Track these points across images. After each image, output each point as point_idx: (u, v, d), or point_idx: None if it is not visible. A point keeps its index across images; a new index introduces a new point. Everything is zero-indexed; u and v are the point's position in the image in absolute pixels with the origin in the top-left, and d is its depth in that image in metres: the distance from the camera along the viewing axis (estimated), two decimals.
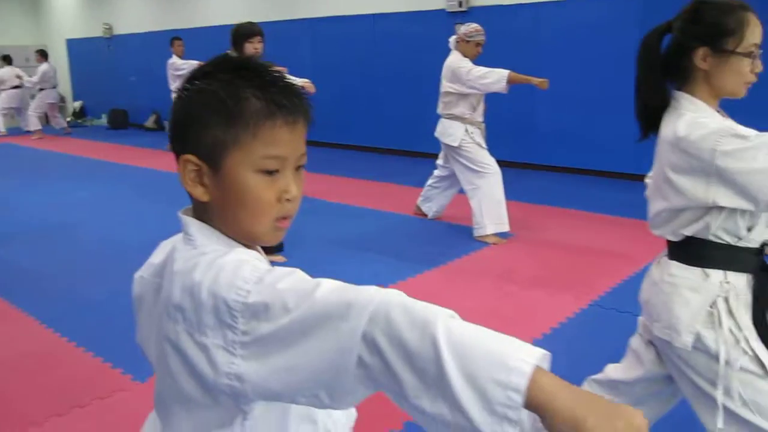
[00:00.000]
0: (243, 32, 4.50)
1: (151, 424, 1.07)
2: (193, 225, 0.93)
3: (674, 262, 1.72)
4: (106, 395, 2.80)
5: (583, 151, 7.40)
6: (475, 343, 0.73)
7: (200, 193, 0.92)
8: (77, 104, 15.03)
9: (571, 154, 7.54)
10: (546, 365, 0.74)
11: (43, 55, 12.40)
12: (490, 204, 4.94)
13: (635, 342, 1.97)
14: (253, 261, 0.86)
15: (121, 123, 13.70)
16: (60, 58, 15.44)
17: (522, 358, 0.71)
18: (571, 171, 7.55)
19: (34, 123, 12.31)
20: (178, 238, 0.97)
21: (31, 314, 3.72)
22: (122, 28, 13.66)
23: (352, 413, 1.10)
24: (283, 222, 0.94)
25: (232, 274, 0.83)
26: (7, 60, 12.55)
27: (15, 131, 12.73)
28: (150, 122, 13.08)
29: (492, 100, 8.18)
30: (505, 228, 4.92)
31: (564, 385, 0.72)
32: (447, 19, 8.28)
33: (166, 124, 12.73)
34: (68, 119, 14.86)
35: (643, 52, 1.74)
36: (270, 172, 0.90)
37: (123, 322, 3.54)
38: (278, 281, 0.81)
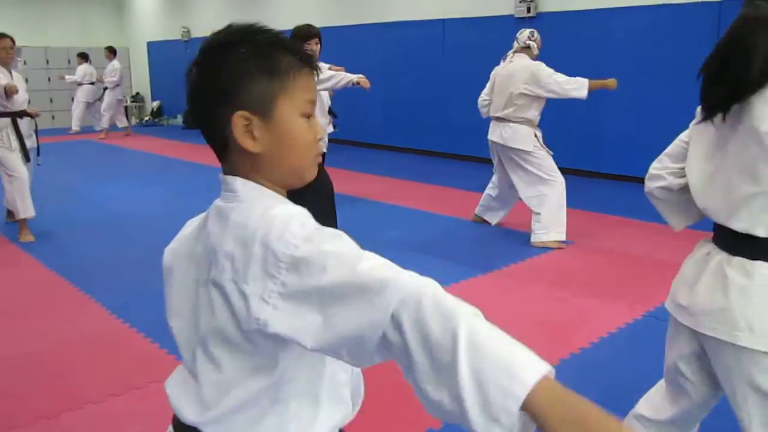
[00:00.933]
0: (301, 34, 4.60)
1: (179, 383, 1.13)
2: (238, 181, 1.01)
3: (764, 263, 1.52)
4: (161, 378, 2.89)
5: (649, 160, 7.21)
6: (491, 346, 0.78)
7: (252, 145, 0.99)
8: (155, 104, 15.60)
9: (637, 163, 7.35)
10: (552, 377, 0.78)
11: (112, 51, 12.68)
12: (555, 212, 4.91)
13: (684, 369, 1.85)
14: (302, 216, 0.93)
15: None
16: (141, 60, 16.09)
17: (529, 370, 0.76)
18: (636, 180, 7.37)
19: (106, 121, 12.60)
20: (211, 209, 1.05)
21: (98, 300, 3.92)
22: (199, 31, 14.12)
23: None
24: (317, 158, 1.06)
25: (284, 227, 0.89)
26: (84, 57, 12.98)
27: (86, 129, 13.25)
28: None
29: (558, 107, 8.09)
30: (564, 237, 4.88)
31: (562, 401, 0.75)
32: (515, 25, 8.22)
33: None
34: (146, 118, 15.45)
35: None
36: (308, 116, 1.02)
37: None
38: (326, 242, 0.88)
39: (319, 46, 4.66)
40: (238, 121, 0.97)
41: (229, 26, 1.02)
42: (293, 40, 1.03)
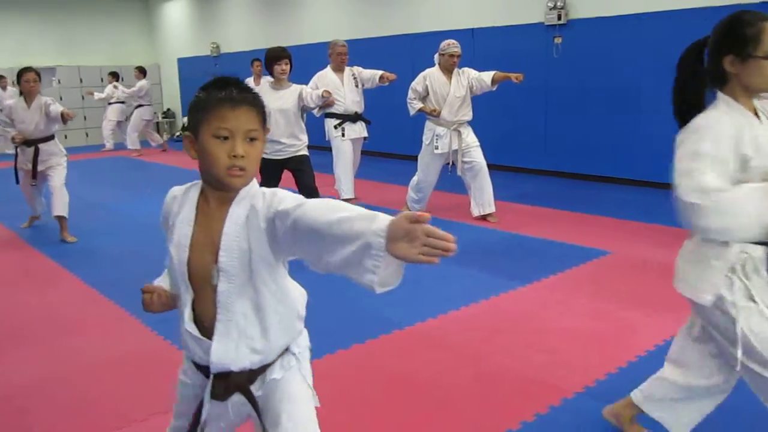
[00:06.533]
0: (272, 55, 5.30)
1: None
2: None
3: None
4: None
5: None
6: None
7: (193, 155, 1.49)
8: (186, 119, 15.74)
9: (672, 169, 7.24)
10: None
11: (141, 71, 12.83)
12: None
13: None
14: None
15: None
16: (172, 76, 16.30)
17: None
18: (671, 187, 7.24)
19: (133, 142, 12.70)
20: None
21: (138, 317, 3.93)
22: (228, 46, 14.28)
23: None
24: (232, 170, 1.43)
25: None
26: (114, 76, 13.19)
27: (119, 146, 13.43)
28: None
29: (593, 114, 8.03)
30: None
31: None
32: (545, 33, 8.18)
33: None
34: (177, 134, 15.63)
35: (685, 61, 2.31)
36: (223, 138, 1.42)
37: None
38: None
39: (289, 66, 5.33)
40: (185, 137, 1.54)
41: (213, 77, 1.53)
42: (236, 86, 1.48)
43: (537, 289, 4.24)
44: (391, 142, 10.23)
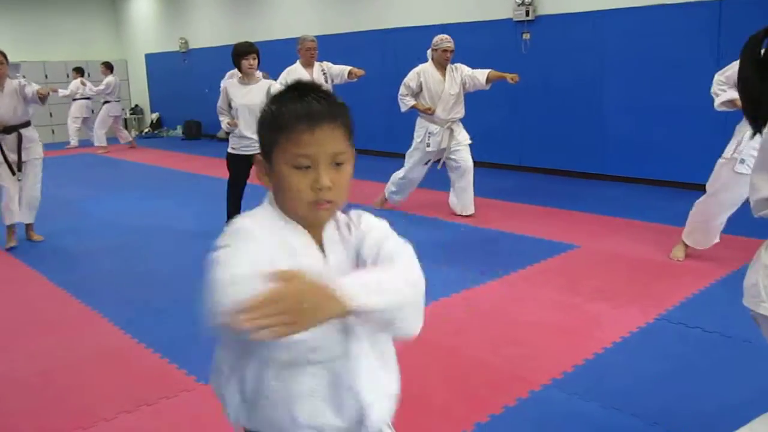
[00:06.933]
0: (239, 51, 5.31)
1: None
2: (267, 198, 1.27)
3: None
4: (172, 395, 2.90)
5: (651, 161, 7.21)
6: None
7: (266, 183, 1.24)
8: (154, 116, 15.60)
9: (638, 164, 7.36)
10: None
11: (108, 67, 12.64)
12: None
13: None
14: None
15: (195, 134, 14.14)
16: (139, 72, 16.09)
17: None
18: (640, 181, 7.36)
19: (99, 139, 12.49)
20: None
21: (105, 316, 3.89)
22: (197, 42, 14.13)
23: None
24: (318, 205, 1.18)
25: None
26: (79, 72, 12.99)
27: (84, 143, 13.22)
28: (222, 133, 13.41)
29: (559, 110, 8.13)
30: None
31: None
32: (514, 29, 8.24)
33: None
34: (145, 130, 15.44)
35: (749, 51, 1.82)
36: (305, 167, 1.16)
37: (190, 325, 3.65)
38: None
39: (257, 61, 5.33)
40: (258, 162, 1.26)
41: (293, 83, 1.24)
42: (317, 96, 1.18)
43: (507, 282, 4.28)
44: (364, 138, 10.21)
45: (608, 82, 7.49)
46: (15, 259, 5.20)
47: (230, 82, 5.55)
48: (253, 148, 5.31)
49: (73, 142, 13.17)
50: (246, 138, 5.31)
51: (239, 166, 5.44)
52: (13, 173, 5.39)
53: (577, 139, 7.87)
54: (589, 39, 7.57)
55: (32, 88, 5.32)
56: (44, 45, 14.86)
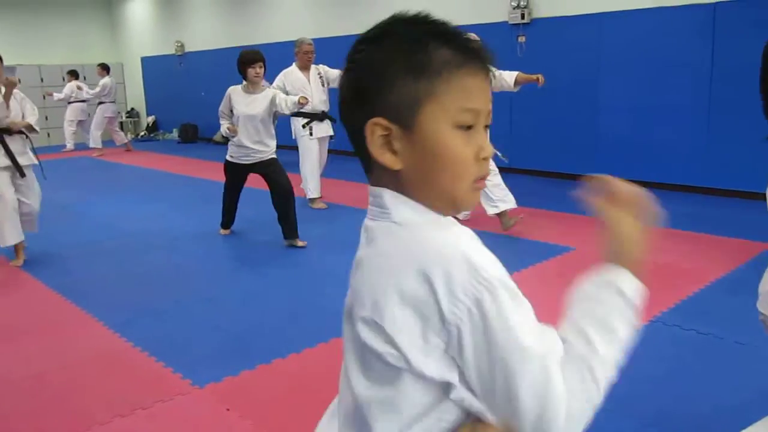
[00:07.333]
0: (246, 59, 5.15)
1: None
2: (386, 194, 0.86)
3: None
4: (168, 398, 2.89)
5: (646, 163, 7.23)
6: None
7: (391, 161, 0.83)
8: (150, 119, 15.59)
9: (634, 165, 7.37)
10: None
11: (104, 68, 12.68)
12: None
13: None
14: (483, 257, 0.82)
15: (191, 137, 14.14)
16: (135, 75, 16.08)
17: None
18: (635, 183, 7.37)
19: (95, 141, 12.54)
20: (362, 229, 0.92)
21: (100, 319, 3.88)
22: (193, 45, 14.13)
23: None
24: (480, 182, 0.86)
25: (462, 268, 0.78)
26: (73, 74, 12.99)
27: (80, 146, 13.21)
28: (218, 136, 13.41)
29: (556, 112, 8.14)
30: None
31: None
32: (510, 32, 8.25)
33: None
34: (141, 133, 15.43)
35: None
36: (466, 128, 0.83)
37: (184, 329, 3.67)
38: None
39: (263, 69, 5.17)
40: (374, 130, 0.82)
41: (392, 16, 0.88)
42: (457, 30, 0.85)
43: None
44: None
45: (603, 84, 7.51)
46: (7, 262, 5.18)
47: (235, 88, 5.38)
48: (252, 158, 5.31)
49: (69, 145, 13.15)
50: (245, 147, 5.26)
51: (236, 175, 5.42)
52: (23, 175, 4.99)
53: (572, 142, 7.88)
54: (584, 42, 7.59)
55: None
56: (40, 48, 14.86)
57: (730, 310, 3.64)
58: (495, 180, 5.42)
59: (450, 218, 0.88)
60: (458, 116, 0.81)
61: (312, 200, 6.72)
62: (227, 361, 3.22)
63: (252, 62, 5.13)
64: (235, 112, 5.29)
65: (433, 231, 0.83)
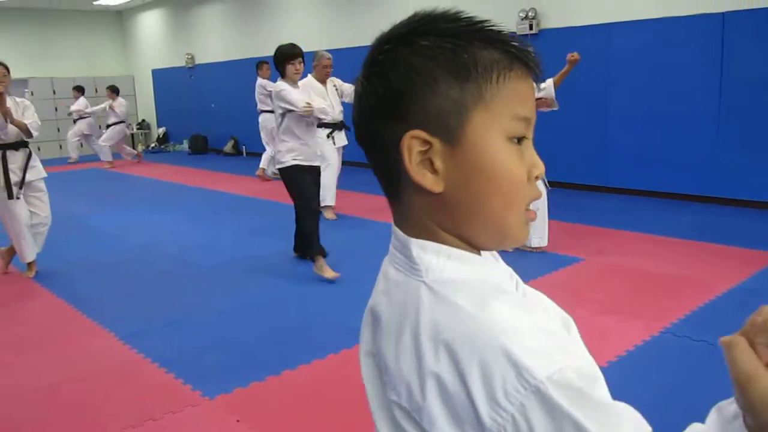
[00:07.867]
0: (285, 53, 4.63)
1: None
2: (414, 246, 0.69)
3: None
4: (178, 410, 2.91)
5: (657, 173, 7.21)
6: None
7: (432, 182, 0.67)
8: (161, 130, 15.69)
9: (645, 176, 7.36)
10: None
11: (114, 91, 12.57)
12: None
13: None
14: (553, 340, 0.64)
15: (201, 148, 14.21)
16: (146, 87, 16.20)
17: None
18: (645, 194, 7.36)
19: (106, 154, 12.58)
20: (381, 272, 0.75)
21: (111, 331, 3.90)
22: (203, 57, 14.22)
23: None
24: (531, 213, 0.70)
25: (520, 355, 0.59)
26: (80, 90, 12.99)
27: (85, 158, 13.32)
28: (228, 147, 13.52)
29: (565, 122, 8.10)
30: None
31: None
32: None
33: (244, 148, 13.16)
34: (152, 145, 15.53)
35: None
36: (518, 140, 0.68)
37: (195, 340, 3.68)
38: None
39: (302, 65, 4.68)
40: (412, 144, 0.66)
41: (414, 14, 0.73)
42: (501, 29, 0.69)
43: None
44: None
45: (612, 94, 7.51)
46: (21, 275, 5.23)
47: (282, 83, 4.72)
48: (313, 162, 4.86)
49: (74, 156, 13.26)
50: (308, 146, 4.78)
51: (306, 177, 4.74)
52: (11, 197, 4.90)
53: (581, 152, 7.88)
54: (593, 52, 7.58)
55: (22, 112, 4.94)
56: (52, 61, 15.02)
57: (741, 321, 3.61)
58: None
59: (492, 262, 0.74)
60: (510, 126, 0.67)
61: (326, 208, 6.74)
62: (237, 372, 3.23)
63: (292, 57, 4.62)
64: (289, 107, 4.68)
65: (470, 303, 0.63)
